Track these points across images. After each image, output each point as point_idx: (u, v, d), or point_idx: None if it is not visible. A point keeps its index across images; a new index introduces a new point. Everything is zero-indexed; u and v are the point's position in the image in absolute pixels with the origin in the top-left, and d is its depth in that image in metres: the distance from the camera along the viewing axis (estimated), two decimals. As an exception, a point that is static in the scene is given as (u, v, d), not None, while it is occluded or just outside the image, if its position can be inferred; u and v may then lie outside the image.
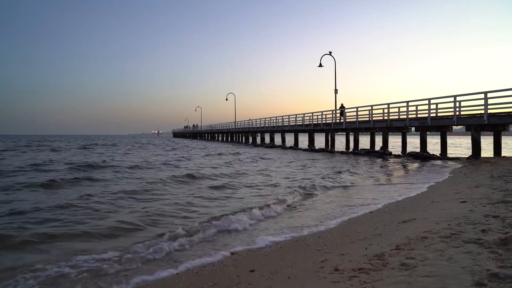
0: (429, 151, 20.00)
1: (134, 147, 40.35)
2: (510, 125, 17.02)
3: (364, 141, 37.05)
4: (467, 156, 17.69)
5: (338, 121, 28.64)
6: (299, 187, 9.65)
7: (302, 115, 33.31)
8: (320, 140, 36.77)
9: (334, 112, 28.92)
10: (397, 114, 22.34)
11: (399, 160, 19.26)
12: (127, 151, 31.65)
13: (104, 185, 10.20)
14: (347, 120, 26.73)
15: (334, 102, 30.89)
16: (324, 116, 30.11)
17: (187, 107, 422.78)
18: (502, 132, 17.61)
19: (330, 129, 29.21)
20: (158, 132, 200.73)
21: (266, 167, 15.95)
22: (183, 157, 22.91)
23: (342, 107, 29.53)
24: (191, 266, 3.97)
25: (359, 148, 25.45)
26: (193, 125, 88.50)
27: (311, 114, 32.03)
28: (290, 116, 35.89)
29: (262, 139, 44.79)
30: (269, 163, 18.52)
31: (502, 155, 17.23)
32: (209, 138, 74.35)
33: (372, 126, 24.29)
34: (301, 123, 33.48)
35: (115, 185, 10.23)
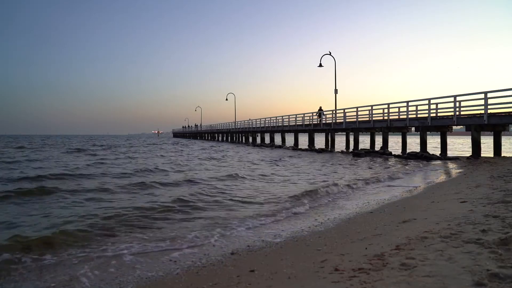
0: (429, 151, 20.01)
1: (177, 150, 34.99)
2: (510, 125, 17.03)
3: (364, 141, 37.06)
4: (467, 156, 17.69)
5: (317, 122, 31.18)
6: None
7: (302, 115, 33.32)
8: (320, 140, 36.76)
9: (334, 112, 28.97)
10: (397, 114, 22.34)
11: (399, 160, 19.25)
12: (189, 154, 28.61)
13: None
14: (347, 120, 26.78)
15: (334, 102, 30.97)
16: (324, 116, 30.15)
17: (187, 107, 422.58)
18: (502, 132, 17.61)
19: (330, 129, 29.23)
20: (158, 132, 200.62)
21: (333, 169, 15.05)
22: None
23: (320, 109, 31.37)
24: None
25: (359, 148, 25.44)
26: (195, 125, 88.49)
27: (311, 114, 32.05)
28: (290, 116, 35.93)
29: (262, 139, 44.78)
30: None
31: (502, 155, 17.23)
32: (209, 138, 74.38)
33: (372, 126, 24.28)
34: (301, 123, 33.48)
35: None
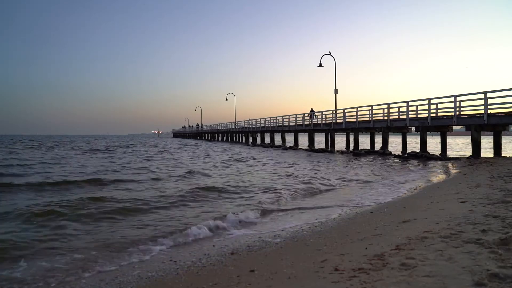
0: (429, 151, 20.01)
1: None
2: (510, 125, 17.02)
3: (364, 141, 37.07)
4: (467, 156, 17.69)
5: (308, 123, 32.47)
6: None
7: (302, 115, 33.36)
8: (320, 140, 36.74)
9: (334, 112, 28.97)
10: (397, 114, 22.34)
11: (399, 160, 19.26)
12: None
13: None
14: (347, 120, 26.79)
15: (334, 102, 30.98)
16: (324, 116, 30.17)
17: (187, 107, 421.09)
18: (502, 132, 17.61)
19: (330, 129, 29.22)
20: (158, 132, 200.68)
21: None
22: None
23: (311, 111, 32.69)
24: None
25: (359, 148, 25.45)
26: (197, 125, 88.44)
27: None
28: (290, 116, 35.93)
29: (262, 139, 44.76)
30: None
31: (502, 155, 17.23)
32: (209, 138, 74.41)
33: (372, 126, 24.28)
34: (301, 123, 33.51)
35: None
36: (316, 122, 31.58)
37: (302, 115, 33.31)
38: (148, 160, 21.50)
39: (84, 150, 31.38)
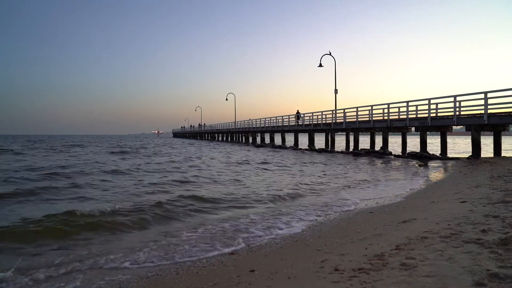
0: (429, 151, 20.00)
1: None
2: (510, 125, 17.03)
3: (364, 141, 37.03)
4: (467, 156, 17.69)
5: (295, 124, 34.34)
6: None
7: (302, 115, 33.33)
8: (319, 140, 36.71)
9: (334, 112, 28.96)
10: (397, 114, 22.34)
11: (399, 160, 19.25)
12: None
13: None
14: (347, 120, 26.79)
15: (334, 102, 30.98)
16: (324, 116, 30.16)
17: (187, 107, 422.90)
18: (502, 132, 17.61)
19: (330, 129, 29.22)
20: (158, 132, 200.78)
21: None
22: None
23: (298, 112, 35.00)
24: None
25: (359, 148, 25.45)
26: (199, 124, 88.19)
27: (311, 114, 32.07)
28: (290, 116, 35.94)
29: (262, 139, 44.78)
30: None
31: (502, 155, 17.23)
32: (209, 138, 74.43)
33: (372, 126, 24.28)
34: (301, 123, 33.51)
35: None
36: (294, 124, 34.03)
37: (302, 115, 33.39)
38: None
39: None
